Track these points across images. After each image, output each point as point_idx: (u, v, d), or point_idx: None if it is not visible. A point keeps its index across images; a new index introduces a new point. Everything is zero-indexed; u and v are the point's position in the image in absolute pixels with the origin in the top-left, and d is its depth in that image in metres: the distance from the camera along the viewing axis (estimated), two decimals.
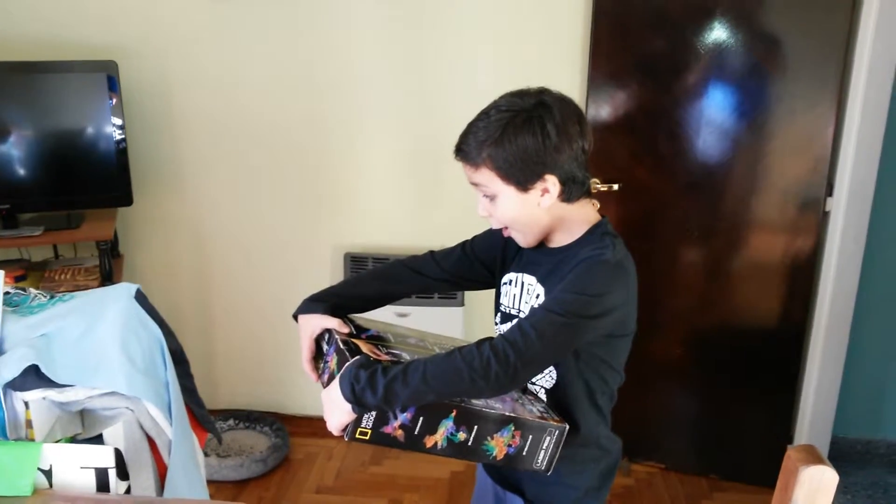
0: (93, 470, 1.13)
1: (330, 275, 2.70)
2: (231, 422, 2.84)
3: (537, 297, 1.30)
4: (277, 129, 2.64)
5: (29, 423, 1.21)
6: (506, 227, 1.30)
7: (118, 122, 2.39)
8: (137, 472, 1.20)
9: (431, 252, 1.47)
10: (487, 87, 2.43)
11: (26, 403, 1.20)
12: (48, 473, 1.11)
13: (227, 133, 2.65)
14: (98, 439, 1.18)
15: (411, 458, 2.73)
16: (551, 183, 1.22)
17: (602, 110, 2.43)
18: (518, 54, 2.48)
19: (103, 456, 1.12)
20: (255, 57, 2.57)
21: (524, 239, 1.31)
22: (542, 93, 1.24)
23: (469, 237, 2.67)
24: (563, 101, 1.24)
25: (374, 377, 1.10)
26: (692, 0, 2.30)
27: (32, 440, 1.19)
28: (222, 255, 2.79)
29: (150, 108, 2.60)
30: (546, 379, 1.31)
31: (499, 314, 1.40)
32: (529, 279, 1.33)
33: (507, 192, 1.23)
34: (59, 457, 1.11)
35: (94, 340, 1.23)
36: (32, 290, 1.35)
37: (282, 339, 2.76)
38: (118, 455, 1.15)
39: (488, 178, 1.23)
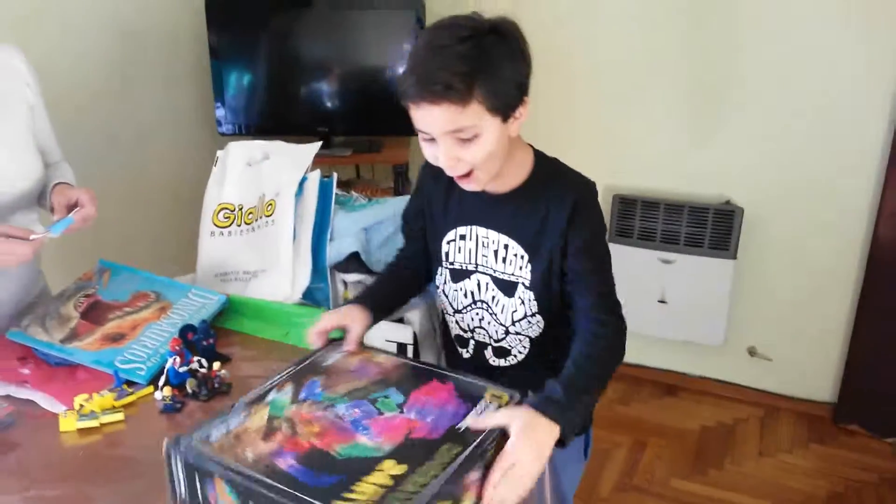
0: (395, 343, 1.34)
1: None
2: None
3: (506, 247, 1.20)
4: (552, 65, 2.69)
5: (346, 301, 1.46)
6: (466, 174, 1.11)
7: None
8: (427, 352, 1.40)
9: (400, 251, 1.39)
10: (779, 33, 2.31)
11: (345, 283, 1.45)
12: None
13: None
14: (401, 321, 1.39)
15: (658, 405, 2.74)
16: (526, 107, 1.10)
17: None
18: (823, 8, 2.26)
19: (404, 334, 1.33)
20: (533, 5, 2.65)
21: (484, 180, 1.13)
22: (480, 13, 1.08)
23: (733, 185, 2.55)
24: (507, 17, 1.10)
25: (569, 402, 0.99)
26: None
27: None
28: None
29: None
30: (532, 329, 1.23)
31: (447, 272, 1.29)
32: (484, 231, 1.22)
33: (491, 128, 1.07)
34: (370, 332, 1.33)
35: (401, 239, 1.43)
36: (354, 193, 1.59)
37: None
38: (414, 335, 1.35)
39: (476, 115, 1.04)
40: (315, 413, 0.96)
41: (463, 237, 1.25)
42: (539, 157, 1.22)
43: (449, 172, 1.12)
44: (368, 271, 1.44)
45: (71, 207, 1.27)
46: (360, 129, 2.83)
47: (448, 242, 1.27)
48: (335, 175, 1.50)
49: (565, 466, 1.25)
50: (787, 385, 2.69)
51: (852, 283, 2.48)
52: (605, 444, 2.49)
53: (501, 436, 0.92)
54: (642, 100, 2.61)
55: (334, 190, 1.49)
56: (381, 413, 0.95)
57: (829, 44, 2.29)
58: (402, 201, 1.54)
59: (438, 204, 1.29)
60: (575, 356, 1.08)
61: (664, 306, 2.65)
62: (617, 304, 1.18)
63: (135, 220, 2.54)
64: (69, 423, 1.10)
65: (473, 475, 0.87)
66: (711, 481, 2.32)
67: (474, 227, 1.24)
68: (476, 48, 1.02)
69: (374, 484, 0.82)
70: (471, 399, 0.98)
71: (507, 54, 1.05)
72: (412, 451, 0.87)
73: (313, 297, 1.45)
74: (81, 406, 1.12)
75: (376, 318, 1.22)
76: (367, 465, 0.85)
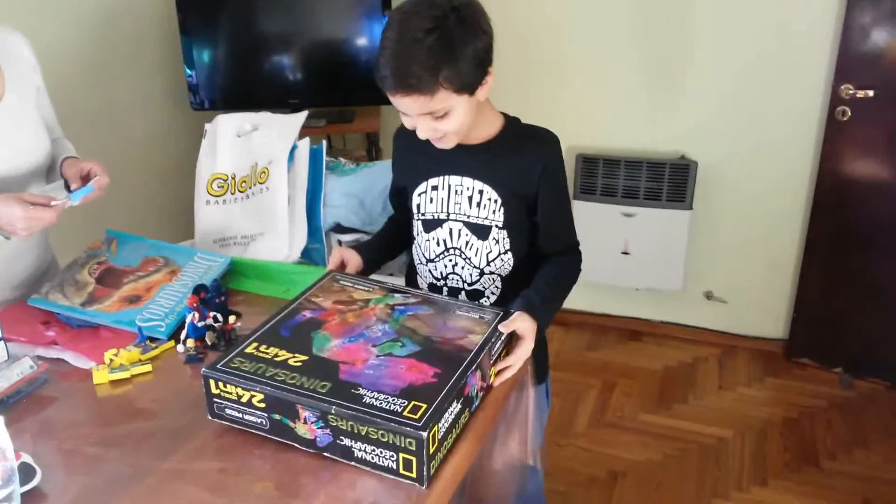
0: None
1: None
2: None
3: (480, 192, 1.31)
4: (518, 35, 2.81)
5: None
6: (442, 137, 1.24)
7: None
8: None
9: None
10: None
11: (340, 243, 1.57)
12: None
13: None
14: (391, 275, 1.51)
15: (624, 350, 2.93)
16: (491, 74, 1.21)
17: (864, 11, 2.30)
18: None
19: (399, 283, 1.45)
20: None
21: (455, 141, 1.26)
22: None
23: (687, 142, 2.71)
24: None
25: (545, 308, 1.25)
26: None
27: None
28: None
29: None
30: (504, 267, 1.37)
31: (419, 223, 1.39)
32: (457, 179, 1.33)
33: (460, 103, 1.18)
34: None
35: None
36: (342, 159, 1.70)
37: None
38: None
39: (444, 99, 1.15)
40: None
41: (435, 188, 1.36)
42: (509, 117, 1.36)
43: (426, 138, 1.24)
44: (361, 231, 1.55)
45: (84, 178, 1.36)
46: (330, 100, 2.90)
47: (419, 195, 1.37)
48: (324, 142, 1.60)
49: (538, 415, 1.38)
50: (742, 325, 2.90)
51: (798, 229, 2.67)
52: (578, 387, 2.67)
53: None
54: (602, 65, 2.74)
55: (324, 156, 1.59)
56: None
57: (773, 11, 2.45)
58: (389, 164, 1.65)
59: (410, 162, 1.40)
60: (546, 274, 1.32)
61: (627, 257, 2.82)
62: (577, 242, 1.41)
63: (116, 198, 2.59)
64: (102, 376, 1.20)
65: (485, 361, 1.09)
66: (677, 414, 2.52)
67: (446, 177, 1.34)
68: (440, 39, 1.11)
69: None
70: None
71: (468, 35, 1.15)
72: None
73: (310, 257, 1.56)
74: (111, 360, 1.22)
75: (367, 266, 1.38)
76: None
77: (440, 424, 0.93)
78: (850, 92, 2.36)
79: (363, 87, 2.86)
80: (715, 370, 2.77)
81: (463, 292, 1.40)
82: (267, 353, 1.05)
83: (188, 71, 2.71)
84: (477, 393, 1.06)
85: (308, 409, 0.95)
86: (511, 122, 1.35)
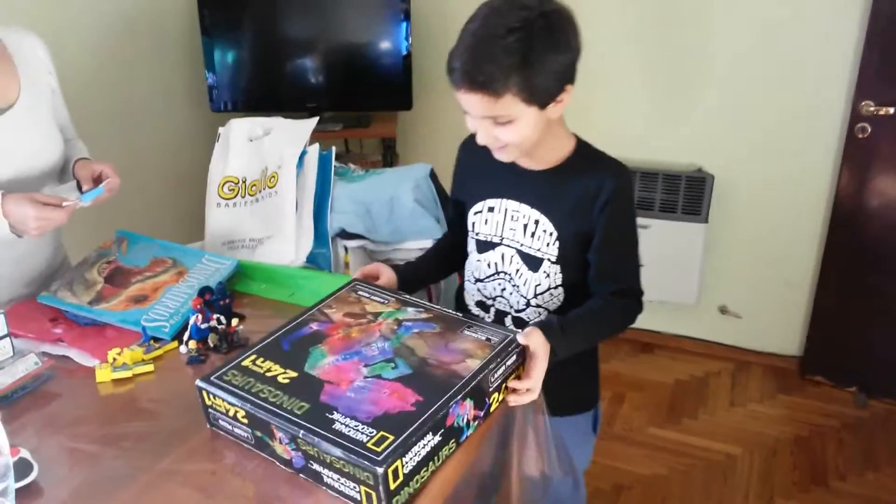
0: None
1: None
2: None
3: (536, 223, 1.24)
4: None
5: (346, 265, 1.59)
6: (502, 147, 1.17)
7: (407, 37, 2.73)
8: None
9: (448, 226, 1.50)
10: (745, 8, 2.43)
11: (346, 249, 1.58)
12: None
13: None
14: None
15: (635, 362, 2.91)
16: (568, 93, 1.14)
17: (886, 28, 2.27)
18: None
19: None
20: None
21: (516, 155, 1.20)
22: None
23: (704, 154, 2.67)
24: (561, 3, 1.12)
25: (565, 333, 1.14)
26: None
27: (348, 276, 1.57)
28: None
29: (433, 23, 2.91)
30: (552, 302, 1.29)
31: (473, 242, 1.35)
32: (515, 205, 1.26)
33: (527, 115, 1.11)
34: None
35: (399, 207, 1.56)
36: (352, 165, 1.71)
37: None
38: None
39: (510, 104, 1.09)
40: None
41: (491, 209, 1.30)
42: (581, 141, 1.28)
43: (484, 144, 1.19)
44: (366, 238, 1.57)
45: (97, 180, 1.38)
46: (348, 105, 2.92)
47: (476, 213, 1.32)
48: (333, 148, 1.62)
49: (576, 444, 1.34)
50: (757, 340, 2.86)
51: (815, 246, 2.64)
52: None
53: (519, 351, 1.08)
54: (619, 76, 2.73)
55: (333, 162, 1.60)
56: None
57: (792, 18, 2.42)
58: (398, 172, 1.66)
59: (471, 175, 1.34)
60: (584, 307, 1.22)
61: (641, 269, 2.79)
62: (639, 290, 1.28)
63: (132, 197, 2.63)
64: (105, 374, 1.22)
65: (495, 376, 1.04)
66: (686, 429, 2.50)
67: (505, 201, 1.28)
68: (520, 41, 1.05)
69: None
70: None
71: (551, 46, 1.08)
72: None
73: (316, 262, 1.58)
74: (115, 359, 1.24)
75: (403, 284, 1.32)
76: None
77: (406, 459, 0.88)
78: (871, 109, 2.32)
79: (382, 92, 2.89)
80: (727, 385, 2.74)
81: (509, 317, 1.35)
82: (260, 368, 1.04)
83: (207, 73, 2.75)
84: (468, 422, 1.00)
85: (281, 430, 0.94)
86: (581, 148, 1.27)
